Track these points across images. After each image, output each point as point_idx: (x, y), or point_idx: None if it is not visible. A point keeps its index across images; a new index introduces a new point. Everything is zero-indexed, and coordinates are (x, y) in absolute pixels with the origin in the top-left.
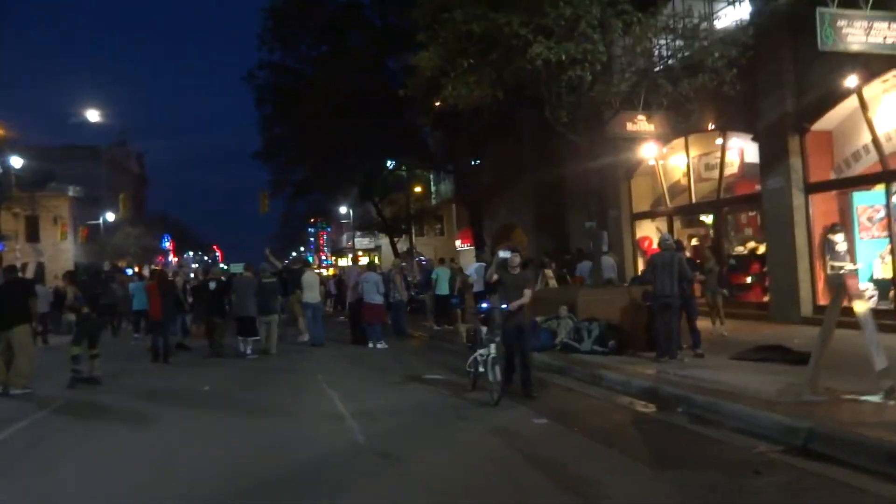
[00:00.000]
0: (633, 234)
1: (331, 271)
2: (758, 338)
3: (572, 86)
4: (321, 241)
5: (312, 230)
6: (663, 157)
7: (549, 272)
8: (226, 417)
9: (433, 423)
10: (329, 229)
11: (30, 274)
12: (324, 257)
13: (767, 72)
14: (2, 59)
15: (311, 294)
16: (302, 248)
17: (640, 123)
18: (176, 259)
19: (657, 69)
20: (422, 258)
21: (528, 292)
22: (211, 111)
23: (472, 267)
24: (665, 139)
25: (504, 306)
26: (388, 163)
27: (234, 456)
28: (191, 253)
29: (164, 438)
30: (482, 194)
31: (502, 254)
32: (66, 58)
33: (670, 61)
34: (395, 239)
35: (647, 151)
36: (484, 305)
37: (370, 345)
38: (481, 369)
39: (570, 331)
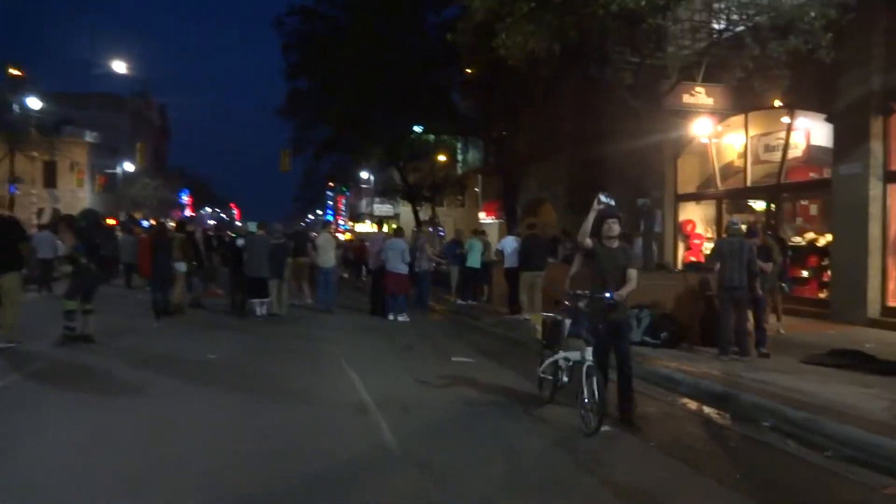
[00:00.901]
0: (675, 216)
1: (346, 236)
2: (821, 339)
3: (637, 46)
4: (339, 205)
5: (331, 193)
6: (717, 135)
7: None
8: (228, 397)
9: (476, 423)
10: (348, 193)
11: (45, 219)
12: (341, 221)
13: (855, 43)
14: (28, 7)
15: (325, 257)
16: (319, 211)
17: (699, 96)
18: (193, 213)
19: (729, 32)
20: (440, 229)
21: (633, 274)
22: (237, 68)
23: (505, 241)
24: (723, 115)
25: (608, 295)
26: (416, 127)
27: (230, 456)
28: (208, 209)
29: (150, 422)
30: (518, 163)
31: (603, 198)
32: (91, 7)
33: (756, 18)
34: (417, 207)
35: (702, 128)
36: (608, 295)
37: (390, 317)
38: (564, 378)
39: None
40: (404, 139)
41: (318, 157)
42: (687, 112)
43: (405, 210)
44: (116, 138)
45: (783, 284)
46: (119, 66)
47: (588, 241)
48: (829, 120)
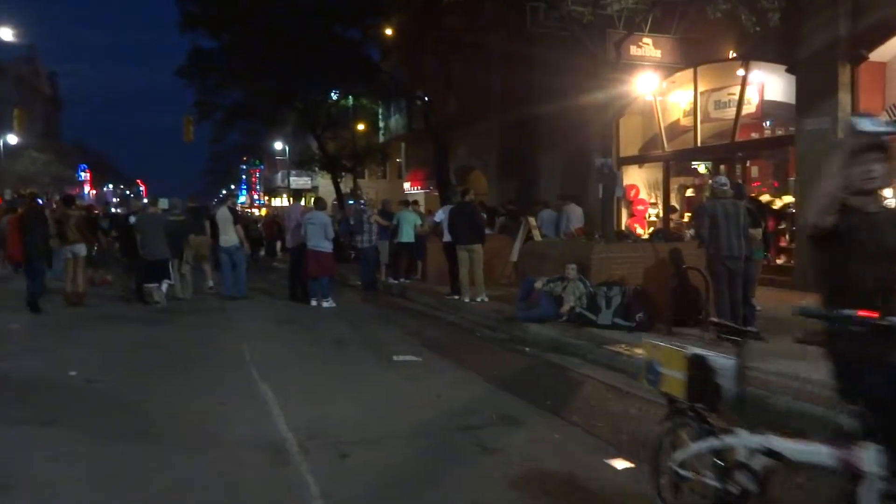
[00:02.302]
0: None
1: (262, 211)
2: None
3: None
4: (254, 179)
5: (244, 167)
6: (662, 92)
7: (532, 221)
8: (79, 444)
9: (443, 467)
10: (262, 167)
11: None
12: (256, 196)
13: None
14: None
15: (224, 236)
16: (233, 186)
17: (646, 48)
18: (94, 192)
19: None
20: (361, 202)
21: None
22: (139, 40)
23: (441, 212)
24: (671, 69)
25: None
26: (333, 93)
27: None
28: (111, 186)
29: None
30: (449, 126)
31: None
32: None
33: None
34: (338, 178)
35: (647, 84)
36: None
37: (313, 302)
38: (742, 486)
39: (582, 297)
40: (321, 105)
41: (226, 124)
42: (633, 66)
43: (324, 182)
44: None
45: (765, 253)
46: (5, 33)
47: (828, 218)
48: (790, 71)
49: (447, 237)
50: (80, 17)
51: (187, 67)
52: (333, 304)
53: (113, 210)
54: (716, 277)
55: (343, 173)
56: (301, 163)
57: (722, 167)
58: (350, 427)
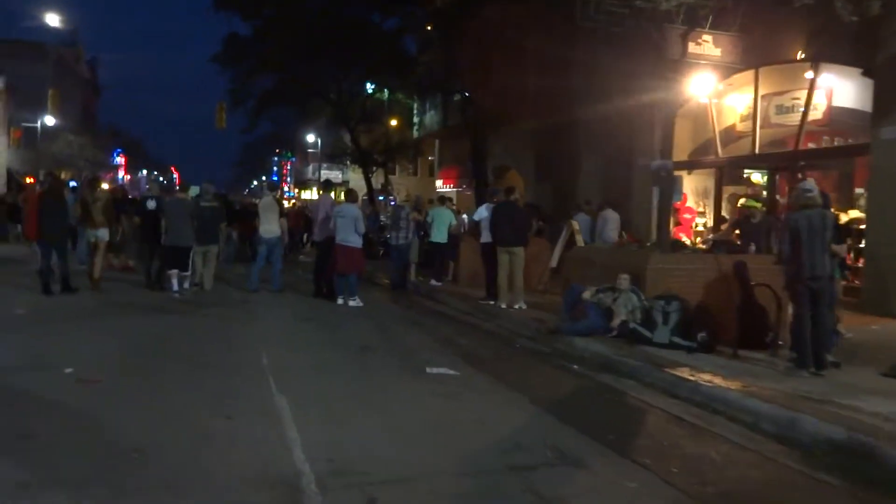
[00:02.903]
0: None
1: (290, 203)
2: (874, 337)
3: None
4: (285, 171)
5: (276, 159)
6: (718, 94)
7: (575, 225)
8: (35, 476)
9: None
10: (294, 159)
11: None
12: (286, 188)
13: None
14: None
15: (266, 226)
16: (264, 178)
17: (705, 46)
18: (128, 177)
19: None
20: (391, 198)
21: None
22: (176, 32)
23: (480, 210)
24: (730, 69)
25: None
26: (368, 85)
27: None
28: (145, 172)
29: None
30: (488, 123)
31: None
32: None
33: None
34: (369, 173)
35: (703, 85)
36: None
37: (339, 300)
38: None
39: (635, 310)
40: (355, 97)
41: (258, 111)
42: (690, 65)
43: (355, 176)
44: (37, 91)
45: (846, 272)
46: (52, 19)
47: None
48: (867, 74)
49: (486, 237)
50: (121, 4)
51: (222, 53)
52: (360, 304)
53: (129, 195)
54: (796, 299)
55: (374, 168)
56: (333, 155)
57: (777, 177)
58: (379, 459)
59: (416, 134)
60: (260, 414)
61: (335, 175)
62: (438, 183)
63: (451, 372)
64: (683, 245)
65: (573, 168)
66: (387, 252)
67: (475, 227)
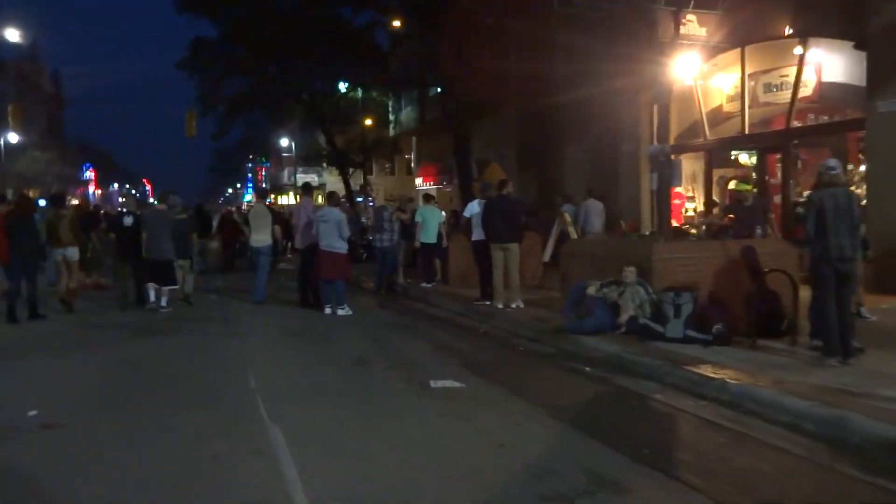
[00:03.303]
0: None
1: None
2: (889, 318)
3: None
4: (259, 177)
5: (250, 165)
6: (704, 75)
7: (567, 217)
8: None
9: None
10: (268, 164)
11: None
12: None
13: None
14: None
15: (258, 236)
16: (238, 185)
17: (690, 26)
18: (99, 191)
19: None
20: (370, 199)
21: None
22: (140, 39)
23: (470, 206)
24: (717, 49)
25: None
26: (341, 83)
27: None
28: (116, 185)
29: None
30: (470, 115)
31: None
32: None
33: None
34: (348, 173)
35: (688, 66)
36: None
37: (327, 310)
38: None
39: (644, 304)
40: (328, 96)
41: (229, 117)
42: (675, 46)
43: (332, 179)
44: (1, 107)
45: (868, 252)
46: (12, 35)
47: None
48: (859, 47)
49: (477, 234)
50: (83, 14)
51: (189, 59)
52: (349, 312)
53: (101, 210)
54: (820, 283)
55: (352, 169)
56: (308, 158)
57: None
58: (393, 497)
59: (392, 132)
60: (252, 451)
61: (311, 178)
62: (418, 181)
63: (457, 384)
64: (685, 232)
65: (557, 158)
66: (370, 255)
67: (466, 224)
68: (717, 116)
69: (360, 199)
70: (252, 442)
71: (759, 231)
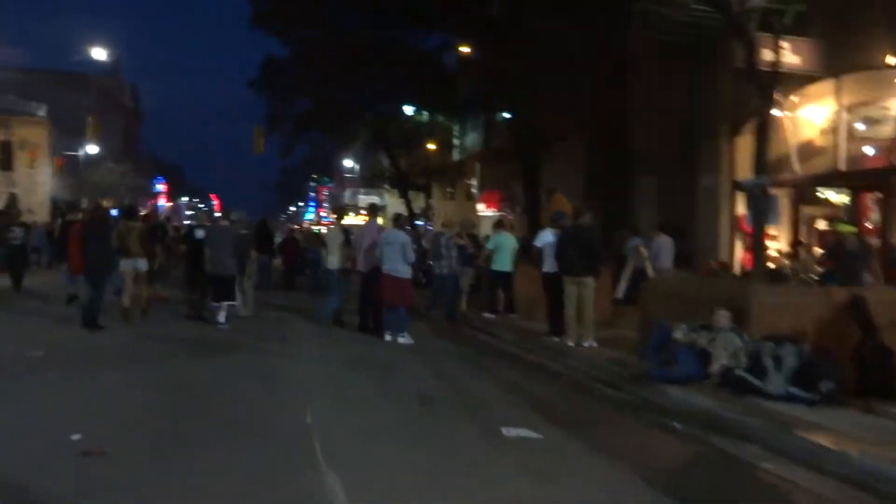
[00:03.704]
0: (731, 209)
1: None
2: None
3: None
4: (321, 196)
5: (313, 184)
6: (792, 106)
7: (644, 251)
8: None
9: None
10: (331, 184)
11: (0, 205)
12: (323, 213)
13: None
14: None
15: (332, 257)
16: (301, 203)
17: (782, 53)
18: (170, 204)
19: None
20: (429, 223)
21: None
22: (214, 60)
23: (543, 235)
24: (807, 79)
25: None
26: (408, 106)
27: None
28: (185, 199)
29: None
30: (542, 142)
31: None
32: None
33: None
34: (412, 196)
35: (777, 96)
36: None
37: (387, 337)
38: None
39: (738, 353)
40: (394, 118)
41: (295, 135)
42: (765, 75)
43: (393, 201)
44: (81, 121)
45: None
46: (99, 53)
47: None
48: None
49: (549, 266)
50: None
51: (259, 78)
52: (411, 341)
53: (172, 223)
54: None
55: (413, 192)
56: (371, 178)
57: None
58: None
59: (456, 156)
60: (307, 501)
61: (372, 200)
62: (480, 207)
63: (534, 434)
64: (783, 275)
65: (627, 189)
66: (429, 281)
67: (537, 254)
68: (808, 150)
69: (420, 223)
70: (307, 490)
71: (867, 278)
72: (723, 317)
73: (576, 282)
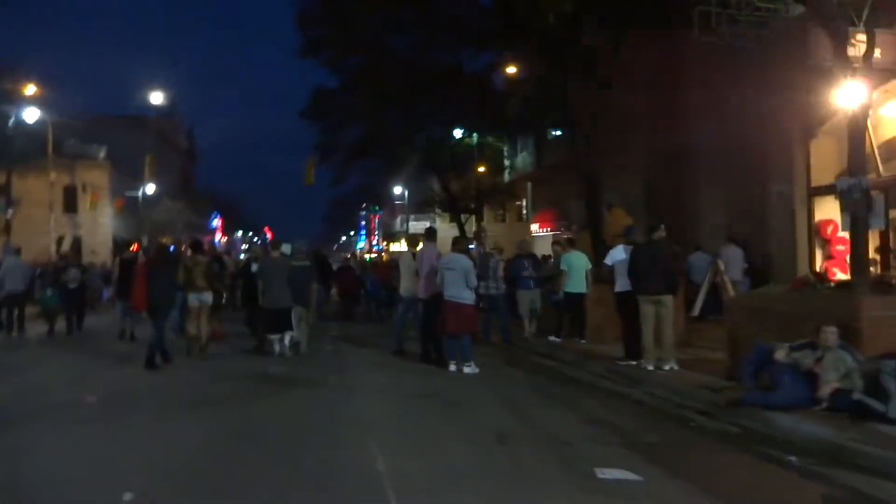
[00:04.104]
0: (809, 216)
1: (383, 257)
2: None
3: None
4: (372, 225)
5: (363, 213)
6: (872, 104)
7: (721, 265)
8: None
9: None
10: (381, 212)
11: (66, 247)
12: (374, 242)
13: None
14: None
15: (406, 284)
16: (352, 232)
17: (860, 47)
18: (225, 238)
19: None
20: (480, 247)
21: None
22: (264, 93)
23: (614, 253)
24: (891, 72)
25: None
26: (458, 129)
27: None
28: (240, 233)
29: None
30: (602, 157)
31: None
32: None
33: None
34: (463, 220)
35: (854, 93)
36: None
37: (451, 367)
38: None
39: (852, 374)
40: (444, 142)
41: (346, 164)
42: (841, 70)
43: (444, 227)
44: (139, 161)
45: None
46: (157, 98)
47: None
48: None
49: (622, 285)
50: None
51: (310, 107)
52: (476, 370)
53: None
54: None
55: (464, 215)
56: (423, 203)
57: None
58: None
59: (507, 177)
60: None
61: (423, 225)
62: (534, 227)
63: (632, 477)
64: (889, 284)
65: (691, 201)
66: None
67: (609, 272)
68: (892, 150)
69: (472, 247)
70: None
71: None
72: (831, 333)
73: (652, 300)
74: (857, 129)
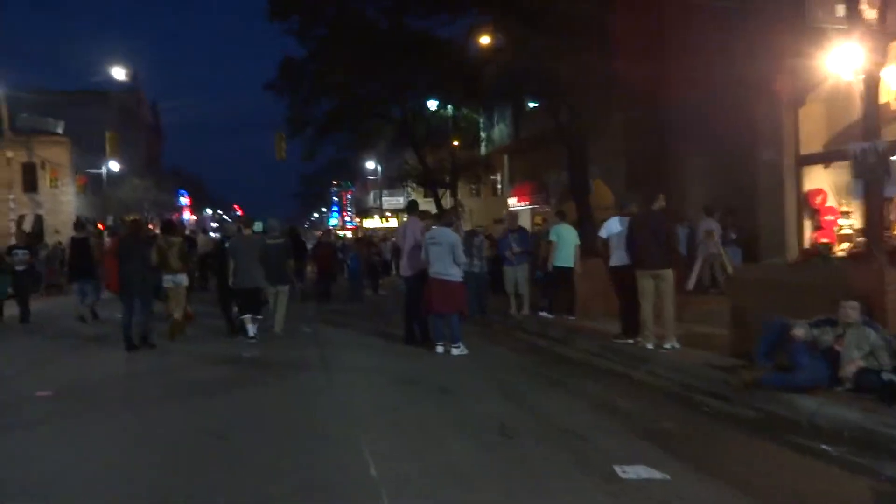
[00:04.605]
0: (798, 185)
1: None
2: None
3: None
4: (344, 201)
5: (335, 190)
6: (867, 68)
7: (715, 236)
8: None
9: None
10: (353, 188)
11: (27, 227)
12: (347, 218)
13: None
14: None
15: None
16: (324, 209)
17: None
18: (194, 217)
19: None
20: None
21: None
22: (232, 73)
23: (609, 224)
24: (889, 36)
25: None
26: (432, 100)
27: None
28: (209, 211)
29: None
30: (587, 126)
31: None
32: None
33: None
34: (439, 194)
35: (848, 59)
36: None
37: (439, 348)
38: None
39: (879, 351)
40: (419, 114)
41: (318, 138)
42: (835, 34)
43: (419, 200)
44: (102, 138)
45: None
46: (119, 73)
47: None
48: None
49: (618, 259)
50: (179, 48)
51: (278, 80)
52: (465, 351)
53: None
54: None
55: (440, 190)
56: (396, 178)
57: None
58: None
59: (484, 150)
60: None
61: (396, 201)
62: (512, 201)
63: (657, 475)
64: None
65: (675, 172)
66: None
67: (604, 245)
68: (884, 116)
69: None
70: None
71: None
72: (853, 309)
73: (652, 275)
74: (872, 88)
